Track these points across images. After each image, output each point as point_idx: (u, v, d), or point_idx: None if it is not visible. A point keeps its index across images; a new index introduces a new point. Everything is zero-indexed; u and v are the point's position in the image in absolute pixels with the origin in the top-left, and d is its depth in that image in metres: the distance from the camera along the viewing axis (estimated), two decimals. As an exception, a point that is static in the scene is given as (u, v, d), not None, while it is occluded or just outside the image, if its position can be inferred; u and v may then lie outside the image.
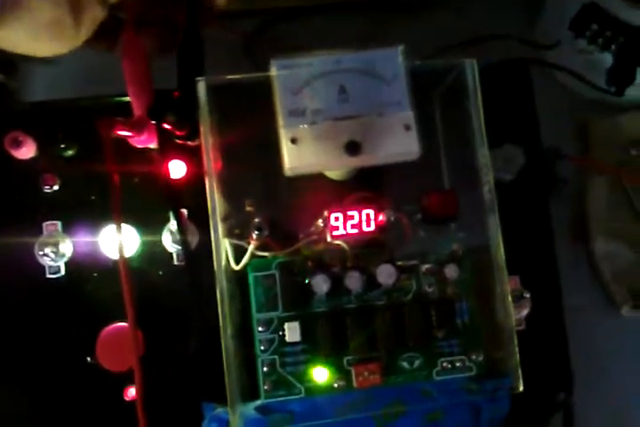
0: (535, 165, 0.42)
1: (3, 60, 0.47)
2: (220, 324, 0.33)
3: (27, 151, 0.37)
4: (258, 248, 0.35)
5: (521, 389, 0.35)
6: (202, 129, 0.34)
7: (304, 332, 0.35)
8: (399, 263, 0.35)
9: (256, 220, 0.34)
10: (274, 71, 0.34)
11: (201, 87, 0.34)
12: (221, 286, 0.33)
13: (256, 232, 0.34)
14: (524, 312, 0.39)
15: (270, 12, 0.53)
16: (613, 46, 0.49)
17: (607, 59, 0.49)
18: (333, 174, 0.39)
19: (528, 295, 0.39)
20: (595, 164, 0.51)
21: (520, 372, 0.35)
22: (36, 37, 0.30)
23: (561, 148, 0.50)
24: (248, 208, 0.35)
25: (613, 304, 0.50)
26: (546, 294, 0.41)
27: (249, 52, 0.50)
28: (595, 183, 0.52)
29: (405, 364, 0.36)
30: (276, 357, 0.35)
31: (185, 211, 0.38)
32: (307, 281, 0.34)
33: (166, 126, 0.33)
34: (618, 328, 0.49)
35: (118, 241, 0.34)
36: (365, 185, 0.39)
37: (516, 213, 0.40)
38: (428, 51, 0.51)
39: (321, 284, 0.34)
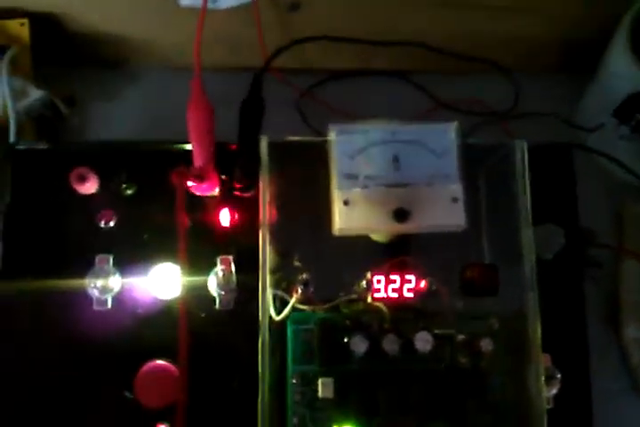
0: (573, 246, 0.43)
1: (66, 95, 0.50)
2: (260, 372, 0.34)
3: (89, 187, 0.39)
4: (299, 302, 0.36)
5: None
6: (261, 183, 0.36)
7: (338, 389, 0.36)
8: (436, 331, 0.36)
9: (304, 276, 0.35)
10: (332, 136, 0.36)
11: (263, 144, 0.36)
12: (264, 336, 0.34)
13: (302, 287, 0.35)
14: (553, 391, 0.39)
15: (322, 73, 0.56)
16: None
17: (650, 147, 0.50)
18: (377, 236, 0.40)
19: (559, 376, 0.39)
20: (627, 252, 0.52)
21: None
22: None
23: (595, 231, 0.50)
24: (296, 263, 0.36)
25: (638, 389, 0.49)
26: (575, 374, 0.41)
27: (300, 108, 0.53)
28: (628, 269, 0.52)
29: (434, 432, 0.36)
30: (307, 411, 0.35)
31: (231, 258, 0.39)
32: (345, 340, 0.35)
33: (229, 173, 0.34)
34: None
35: (177, 281, 0.35)
36: (407, 249, 0.40)
37: (551, 292, 0.41)
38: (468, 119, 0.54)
39: (359, 344, 0.35)
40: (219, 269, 0.39)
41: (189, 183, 0.35)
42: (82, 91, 0.53)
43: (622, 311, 0.51)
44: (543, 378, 0.36)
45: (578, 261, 0.44)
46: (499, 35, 0.53)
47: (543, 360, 0.37)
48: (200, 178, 0.34)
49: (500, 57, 0.55)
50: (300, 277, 0.35)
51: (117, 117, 0.53)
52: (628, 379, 0.49)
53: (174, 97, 0.42)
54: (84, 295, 0.39)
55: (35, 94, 0.46)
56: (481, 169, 0.41)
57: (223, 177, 0.39)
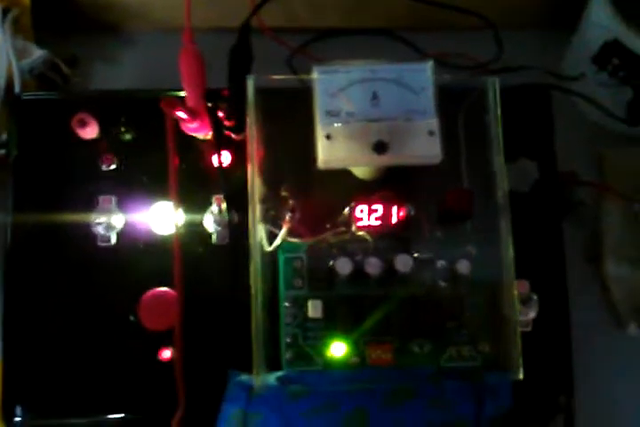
0: (548, 181, 0.45)
1: (68, 56, 0.53)
2: (252, 295, 0.37)
3: (90, 132, 0.41)
4: (289, 234, 0.39)
5: (521, 377, 0.37)
6: (248, 120, 0.38)
7: (326, 310, 0.38)
8: (416, 255, 0.39)
9: (289, 202, 0.38)
10: (315, 75, 0.39)
11: (250, 84, 0.39)
12: (255, 262, 0.37)
13: (289, 214, 0.38)
14: (532, 315, 0.42)
15: (311, 31, 0.58)
16: (632, 81, 0.52)
17: (628, 92, 0.52)
18: (361, 173, 0.42)
19: (535, 297, 0.41)
20: (609, 189, 0.54)
21: (521, 361, 0.37)
22: None
23: (577, 173, 0.53)
24: (283, 193, 0.39)
25: (620, 323, 0.52)
26: (553, 301, 0.43)
27: (291, 66, 0.55)
28: (609, 209, 0.54)
29: (416, 348, 0.39)
30: (299, 330, 0.38)
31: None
32: (331, 263, 0.38)
33: (219, 113, 0.37)
34: (622, 346, 0.51)
35: (172, 217, 0.38)
36: (390, 187, 0.42)
37: (529, 225, 0.43)
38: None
39: (344, 265, 0.37)
40: (213, 207, 0.42)
41: (180, 114, 0.37)
42: (80, 54, 0.55)
43: (603, 249, 0.53)
44: (516, 293, 0.38)
45: (555, 197, 0.46)
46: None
47: (519, 285, 0.39)
48: (190, 112, 0.36)
49: (485, 12, 0.57)
50: (286, 205, 0.38)
51: (114, 80, 0.55)
52: (607, 312, 0.52)
53: (169, 58, 0.44)
54: (89, 233, 0.42)
55: (36, 53, 0.49)
56: (459, 107, 0.43)
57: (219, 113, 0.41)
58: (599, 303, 0.52)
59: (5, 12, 0.49)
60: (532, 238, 0.43)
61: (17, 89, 0.46)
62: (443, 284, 0.39)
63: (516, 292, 0.38)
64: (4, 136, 0.46)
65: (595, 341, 0.49)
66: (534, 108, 0.47)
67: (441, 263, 0.39)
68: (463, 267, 0.39)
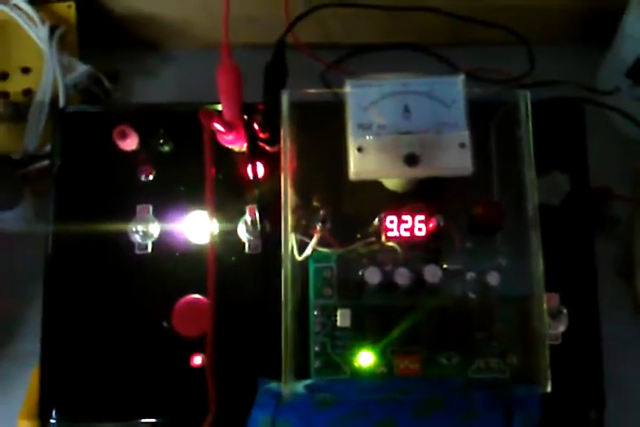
0: (580, 194, 0.45)
1: (110, 71, 0.55)
2: (282, 303, 0.37)
3: (130, 143, 0.43)
4: (319, 244, 0.39)
5: (549, 390, 0.37)
6: (282, 133, 0.39)
7: (355, 319, 0.39)
8: (445, 266, 0.39)
9: (321, 212, 0.38)
10: (347, 89, 0.40)
11: (284, 98, 0.40)
12: (286, 270, 0.38)
13: (320, 224, 0.38)
14: (561, 328, 0.42)
15: (345, 47, 0.59)
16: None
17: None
18: (392, 185, 0.43)
19: (565, 311, 0.41)
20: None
21: (550, 374, 0.37)
22: None
23: (611, 187, 0.52)
24: (315, 204, 0.39)
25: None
26: (583, 314, 0.43)
27: (325, 81, 0.56)
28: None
29: (444, 359, 0.39)
30: (328, 339, 0.39)
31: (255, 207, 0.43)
32: (360, 273, 0.38)
33: (255, 125, 0.38)
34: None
35: (207, 227, 0.39)
36: (421, 198, 0.42)
37: (561, 238, 0.43)
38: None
39: (373, 275, 0.38)
40: (247, 217, 0.43)
41: (217, 126, 0.38)
42: (121, 69, 0.57)
43: (636, 265, 0.52)
44: (545, 306, 0.38)
45: (587, 208, 0.46)
46: (517, 5, 0.55)
47: (550, 298, 0.39)
48: (227, 124, 0.37)
49: (519, 28, 0.57)
50: (317, 215, 0.38)
51: (154, 94, 0.57)
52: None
53: (207, 73, 0.45)
54: (127, 241, 0.43)
55: (80, 69, 0.51)
56: (491, 120, 0.43)
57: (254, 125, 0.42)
58: (631, 318, 0.52)
59: (53, 30, 0.51)
60: (563, 252, 0.43)
61: (62, 103, 0.48)
62: (472, 295, 0.39)
63: (545, 305, 0.38)
64: (49, 147, 0.48)
65: (626, 355, 0.49)
66: (567, 122, 0.47)
67: (470, 275, 0.39)
68: (493, 279, 0.39)
